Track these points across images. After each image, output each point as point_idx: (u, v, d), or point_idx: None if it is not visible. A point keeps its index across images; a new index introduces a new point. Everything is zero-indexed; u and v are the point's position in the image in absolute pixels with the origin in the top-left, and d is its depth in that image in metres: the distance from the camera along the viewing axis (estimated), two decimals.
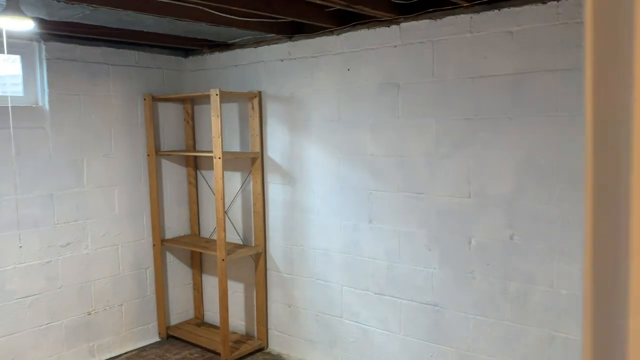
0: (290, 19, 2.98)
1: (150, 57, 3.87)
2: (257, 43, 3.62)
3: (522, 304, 2.66)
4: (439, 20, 2.81)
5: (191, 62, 4.07)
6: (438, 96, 2.84)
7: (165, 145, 4.00)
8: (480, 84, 2.70)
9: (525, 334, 2.66)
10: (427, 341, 3.01)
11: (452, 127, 2.81)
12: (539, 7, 2.49)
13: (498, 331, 2.74)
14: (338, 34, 3.21)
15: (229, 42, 3.73)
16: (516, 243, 2.65)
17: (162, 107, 3.97)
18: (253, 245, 3.78)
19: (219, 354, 3.67)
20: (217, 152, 3.38)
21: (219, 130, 3.35)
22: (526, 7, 2.53)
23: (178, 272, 4.15)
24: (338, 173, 3.29)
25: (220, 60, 3.86)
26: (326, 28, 3.20)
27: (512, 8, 2.57)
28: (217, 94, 3.33)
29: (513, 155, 2.63)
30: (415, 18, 2.89)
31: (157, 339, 3.99)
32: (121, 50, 3.70)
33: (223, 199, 3.41)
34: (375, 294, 3.20)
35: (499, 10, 2.61)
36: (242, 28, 3.15)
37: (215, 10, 2.85)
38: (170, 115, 4.03)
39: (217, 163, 3.39)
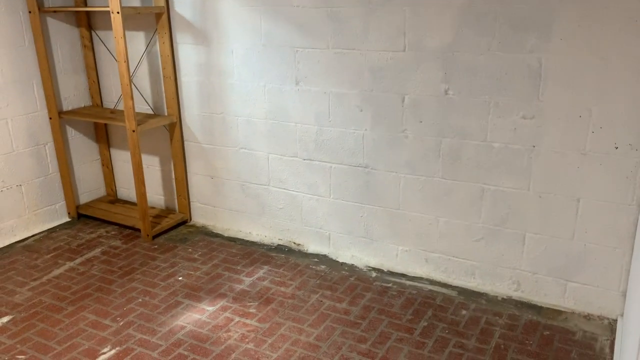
0: None
1: None
2: None
3: (454, 159, 2.63)
4: None
5: None
6: None
7: (50, 1, 3.38)
8: None
9: (456, 188, 2.67)
10: (357, 202, 2.97)
11: None
12: None
13: (428, 188, 2.73)
14: None
15: None
16: (451, 98, 2.55)
17: None
18: (166, 114, 3.44)
19: (138, 229, 3.47)
20: (114, 6, 2.89)
21: None
22: None
23: (82, 148, 3.75)
24: (260, 29, 2.95)
25: None
26: None
27: None
28: None
29: (452, 2, 2.43)
30: None
31: (66, 219, 3.69)
32: None
33: (127, 62, 2.98)
34: (304, 159, 3.06)
35: None
36: None
37: None
38: None
39: (116, 19, 2.91)
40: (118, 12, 2.89)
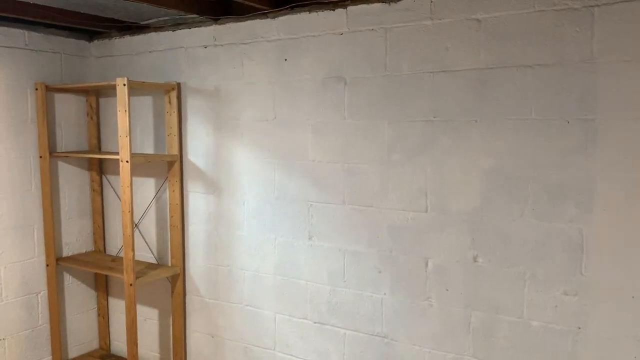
0: None
1: (44, 39, 3.19)
2: (176, 25, 3.05)
3: (487, 337, 2.28)
4: (393, 4, 2.39)
5: (97, 46, 3.42)
6: (391, 94, 2.43)
7: (63, 146, 3.34)
8: (441, 80, 2.30)
9: None
10: None
11: (407, 130, 2.40)
12: None
13: None
14: (273, 17, 2.72)
15: (142, 23, 3.14)
16: (481, 266, 2.28)
17: (59, 99, 3.30)
18: (169, 265, 3.21)
19: None
20: (124, 155, 2.79)
21: (127, 127, 2.76)
22: None
23: (79, 296, 3.49)
24: (273, 181, 2.80)
25: (132, 45, 3.26)
26: (259, 9, 2.70)
27: None
28: (124, 84, 2.74)
29: (479, 164, 2.25)
30: (366, 1, 2.46)
31: None
32: (5, 28, 3.01)
33: (131, 211, 2.82)
34: (315, 323, 2.74)
35: None
36: (156, 4, 2.58)
37: None
38: (69, 110, 3.36)
39: (125, 167, 2.80)
40: (127, 161, 2.79)
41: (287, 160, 2.74)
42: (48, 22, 3.04)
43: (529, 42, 2.11)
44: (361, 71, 2.49)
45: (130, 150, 2.79)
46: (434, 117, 2.33)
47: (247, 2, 2.58)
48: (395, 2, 2.39)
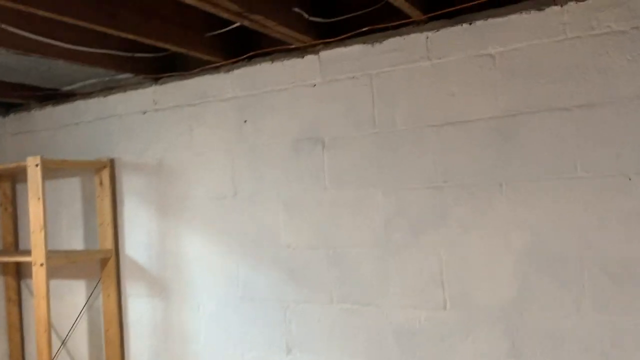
0: (149, 43, 1.93)
1: None
2: (108, 90, 2.49)
3: None
4: (377, 45, 1.90)
5: (12, 121, 2.81)
6: (384, 155, 1.88)
7: None
8: (449, 134, 1.78)
9: None
10: None
11: (409, 200, 1.84)
12: (532, 16, 1.66)
13: None
14: (227, 71, 2.19)
15: (65, 89, 2.56)
16: None
17: None
18: None
19: None
20: (37, 256, 2.13)
21: (41, 220, 2.12)
22: (513, 17, 1.69)
23: None
24: (236, 276, 2.16)
25: (55, 117, 2.67)
26: (209, 63, 2.17)
27: (490, 20, 1.72)
28: (36, 165, 2.13)
29: (510, 241, 1.69)
30: (342, 43, 1.96)
31: None
32: None
33: (48, 330, 2.12)
34: None
35: (470, 24, 1.75)
36: (76, 62, 2.02)
37: (22, 30, 1.75)
38: None
39: (39, 273, 2.13)
40: (42, 264, 2.11)
41: (254, 248, 2.13)
42: None
43: (562, 78, 1.62)
44: (343, 129, 1.95)
45: (46, 249, 2.13)
46: (444, 182, 1.79)
47: (193, 54, 2.05)
48: (379, 42, 1.90)
